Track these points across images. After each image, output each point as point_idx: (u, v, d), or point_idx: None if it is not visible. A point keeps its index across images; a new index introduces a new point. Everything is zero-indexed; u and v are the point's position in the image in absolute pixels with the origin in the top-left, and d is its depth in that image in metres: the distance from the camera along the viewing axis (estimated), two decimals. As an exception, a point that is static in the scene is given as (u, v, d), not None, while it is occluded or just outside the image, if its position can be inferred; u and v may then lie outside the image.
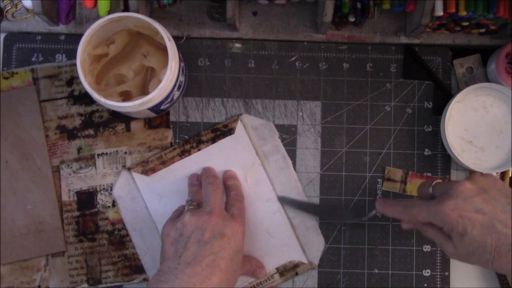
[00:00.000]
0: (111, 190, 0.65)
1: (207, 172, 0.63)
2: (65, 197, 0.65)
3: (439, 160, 0.66)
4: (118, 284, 0.64)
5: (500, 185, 0.53)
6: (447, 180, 0.66)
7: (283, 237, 0.64)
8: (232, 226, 0.55)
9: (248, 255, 0.63)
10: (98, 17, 0.58)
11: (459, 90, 0.66)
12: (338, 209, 0.64)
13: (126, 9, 0.59)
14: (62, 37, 0.67)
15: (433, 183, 0.56)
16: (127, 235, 0.64)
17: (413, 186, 0.66)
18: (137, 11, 0.58)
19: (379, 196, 0.65)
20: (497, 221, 0.50)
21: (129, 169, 0.65)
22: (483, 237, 0.50)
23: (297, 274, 0.64)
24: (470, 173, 0.66)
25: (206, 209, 0.56)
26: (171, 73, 0.56)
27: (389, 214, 0.57)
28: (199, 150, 0.65)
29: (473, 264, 0.53)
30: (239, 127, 0.65)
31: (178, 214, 0.59)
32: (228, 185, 0.63)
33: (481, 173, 0.65)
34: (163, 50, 0.58)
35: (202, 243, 0.53)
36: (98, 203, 0.65)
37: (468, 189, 0.51)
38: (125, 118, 0.66)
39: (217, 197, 0.58)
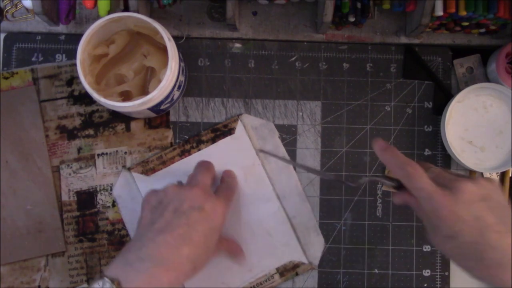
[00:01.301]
0: (111, 190, 0.65)
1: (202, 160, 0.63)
2: (65, 197, 0.65)
3: (439, 160, 0.66)
4: (118, 284, 0.64)
5: (501, 196, 0.50)
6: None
7: (283, 237, 0.64)
8: (213, 203, 0.54)
9: (230, 238, 0.63)
10: (98, 17, 0.58)
11: (459, 90, 0.66)
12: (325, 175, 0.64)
13: (126, 9, 0.59)
14: (62, 37, 0.67)
15: (431, 168, 0.53)
16: (127, 235, 0.64)
17: (413, 186, 0.65)
18: (137, 11, 0.58)
19: (379, 196, 0.65)
20: (491, 232, 0.47)
21: (129, 169, 0.65)
22: (471, 245, 0.48)
23: (297, 274, 0.64)
24: (471, 173, 0.66)
25: (190, 184, 0.56)
26: (171, 73, 0.56)
27: (384, 161, 0.54)
28: (199, 150, 0.65)
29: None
30: (239, 127, 0.65)
31: None
32: (225, 181, 0.63)
33: (482, 174, 0.65)
34: (163, 50, 0.58)
35: (179, 212, 0.52)
36: (98, 203, 0.65)
37: (471, 192, 0.49)
38: (125, 118, 0.66)
39: (205, 176, 0.58)
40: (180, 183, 0.58)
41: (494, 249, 0.47)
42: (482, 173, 0.66)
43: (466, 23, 0.63)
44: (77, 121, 0.66)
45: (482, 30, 0.65)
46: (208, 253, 0.54)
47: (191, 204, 0.53)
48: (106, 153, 0.65)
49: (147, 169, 0.65)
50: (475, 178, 0.51)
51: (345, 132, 0.66)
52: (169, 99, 0.60)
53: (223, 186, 0.61)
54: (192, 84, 0.67)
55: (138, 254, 0.50)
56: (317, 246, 0.65)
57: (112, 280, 0.48)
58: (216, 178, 0.63)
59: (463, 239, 0.48)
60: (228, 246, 0.61)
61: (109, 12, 0.59)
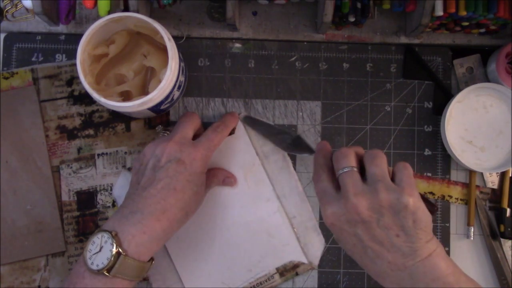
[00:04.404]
0: (111, 190, 0.65)
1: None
2: (65, 197, 0.65)
3: (439, 160, 0.66)
4: (118, 284, 0.64)
5: (411, 225, 0.48)
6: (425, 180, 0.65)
7: (283, 237, 0.64)
8: (189, 151, 0.56)
9: (215, 167, 0.64)
10: (98, 17, 0.58)
11: (459, 90, 0.66)
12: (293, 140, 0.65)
13: (126, 9, 0.59)
14: (62, 37, 0.67)
15: (334, 155, 0.53)
16: (127, 235, 0.64)
17: (413, 186, 0.65)
18: (137, 11, 0.58)
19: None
20: (373, 249, 0.49)
21: (129, 169, 0.65)
22: (352, 255, 0.52)
23: (297, 274, 0.64)
24: (470, 173, 0.66)
25: (166, 137, 0.58)
26: (171, 73, 0.56)
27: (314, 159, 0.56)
28: (199, 150, 0.65)
29: None
30: (239, 127, 0.65)
31: None
32: (220, 119, 0.63)
33: (482, 174, 0.65)
34: (163, 50, 0.58)
35: (157, 168, 0.55)
36: (98, 203, 0.65)
37: (359, 208, 0.48)
38: (125, 118, 0.66)
39: (185, 127, 0.59)
40: (160, 130, 0.63)
41: (375, 264, 0.50)
42: (482, 173, 0.66)
43: (466, 23, 0.63)
44: (77, 121, 0.66)
45: (482, 30, 0.65)
46: (197, 196, 0.57)
47: (168, 158, 0.55)
48: (106, 153, 0.65)
49: (147, 169, 0.64)
50: (378, 189, 0.48)
51: (345, 132, 0.66)
52: (169, 99, 0.60)
53: (208, 130, 0.60)
54: (192, 84, 0.67)
55: (130, 209, 0.53)
56: (317, 246, 0.65)
57: (110, 232, 0.51)
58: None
59: (345, 246, 0.52)
60: (218, 177, 0.63)
61: (109, 12, 0.59)
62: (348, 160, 0.51)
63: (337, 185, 0.52)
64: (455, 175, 0.66)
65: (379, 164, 0.50)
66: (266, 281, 0.64)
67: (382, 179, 0.49)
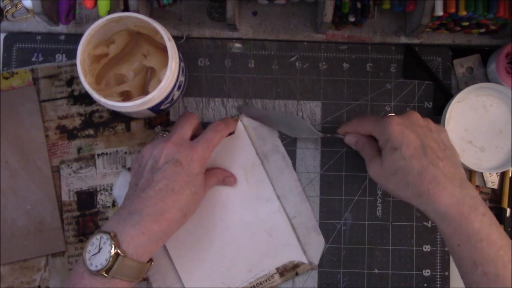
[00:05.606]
0: (111, 190, 0.65)
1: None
2: (65, 197, 0.65)
3: (439, 160, 0.66)
4: (118, 284, 0.64)
5: (449, 145, 0.56)
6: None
7: (283, 237, 0.64)
8: (187, 152, 0.56)
9: (215, 167, 0.64)
10: (98, 17, 0.58)
11: (459, 90, 0.66)
12: (297, 121, 0.65)
13: (126, 9, 0.59)
14: (62, 37, 0.67)
15: (389, 115, 0.61)
16: (127, 235, 0.64)
17: (413, 186, 0.65)
18: (137, 11, 0.58)
19: (379, 196, 0.65)
20: (430, 152, 0.53)
21: (129, 169, 0.65)
22: (411, 159, 0.53)
23: (297, 274, 0.64)
24: (471, 174, 0.66)
25: (164, 138, 0.58)
26: (171, 73, 0.56)
27: (345, 130, 0.62)
28: (199, 150, 0.65)
29: (393, 190, 0.55)
30: (239, 127, 0.65)
31: None
32: (220, 121, 0.63)
33: (481, 174, 0.65)
34: (163, 50, 0.58)
35: (155, 169, 0.55)
36: (98, 203, 0.65)
37: (419, 120, 0.56)
38: (125, 118, 0.66)
39: (183, 127, 0.59)
40: (159, 130, 0.64)
41: (434, 166, 0.52)
42: (482, 173, 0.66)
43: (466, 23, 0.63)
44: (77, 121, 0.66)
45: (482, 30, 0.65)
46: (195, 197, 0.57)
47: (165, 159, 0.56)
48: (106, 153, 0.65)
49: (147, 169, 0.64)
50: (427, 118, 0.58)
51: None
52: (169, 99, 0.60)
53: (207, 129, 0.60)
54: (192, 84, 0.67)
55: (129, 210, 0.53)
56: (317, 246, 0.65)
57: (109, 233, 0.51)
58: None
59: (404, 150, 0.53)
60: (217, 176, 0.63)
61: (109, 12, 0.59)
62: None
63: None
64: (455, 175, 0.66)
65: None
66: (266, 281, 0.64)
67: None
